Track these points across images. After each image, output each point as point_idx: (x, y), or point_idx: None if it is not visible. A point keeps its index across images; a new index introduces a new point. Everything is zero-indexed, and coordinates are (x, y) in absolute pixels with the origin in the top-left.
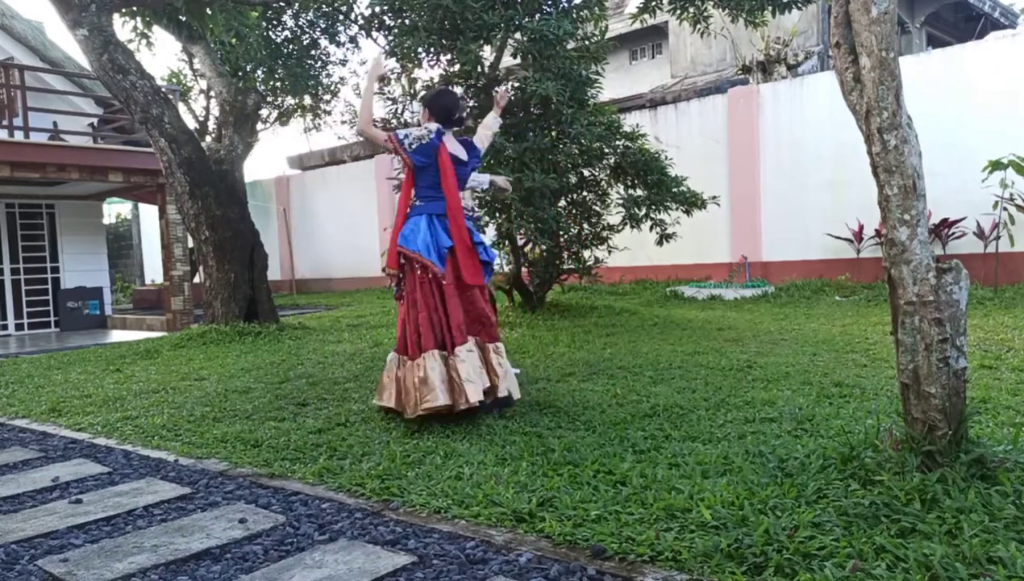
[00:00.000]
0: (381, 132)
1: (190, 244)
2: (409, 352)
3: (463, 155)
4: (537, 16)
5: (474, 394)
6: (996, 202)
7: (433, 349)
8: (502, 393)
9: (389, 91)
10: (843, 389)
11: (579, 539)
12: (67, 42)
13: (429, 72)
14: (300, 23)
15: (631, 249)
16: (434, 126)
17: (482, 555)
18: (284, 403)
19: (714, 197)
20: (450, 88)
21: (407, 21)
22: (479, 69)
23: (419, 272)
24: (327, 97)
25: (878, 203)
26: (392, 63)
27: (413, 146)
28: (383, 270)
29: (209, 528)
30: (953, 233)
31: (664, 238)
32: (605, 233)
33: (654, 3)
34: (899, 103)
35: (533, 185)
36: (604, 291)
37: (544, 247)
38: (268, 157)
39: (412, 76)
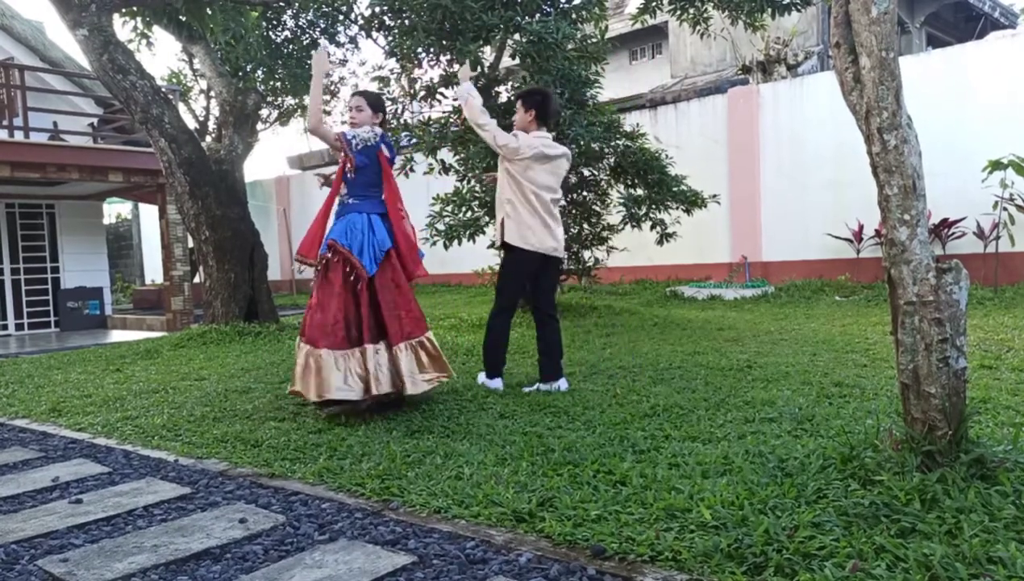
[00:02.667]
0: (332, 131)
1: (190, 244)
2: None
3: (389, 154)
4: (536, 17)
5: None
6: (996, 202)
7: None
8: (409, 390)
9: (389, 91)
10: (843, 389)
11: (579, 539)
12: (67, 42)
13: (429, 72)
14: (300, 23)
15: (631, 249)
16: (379, 130)
17: (482, 555)
18: (284, 403)
19: (714, 195)
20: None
21: (407, 21)
22: (479, 70)
23: (347, 269)
24: (327, 97)
25: (878, 203)
26: (392, 62)
27: (359, 147)
28: (297, 258)
29: (209, 528)
30: (953, 233)
31: (664, 238)
32: (605, 233)
33: (654, 4)
34: (899, 103)
35: None
36: (604, 291)
37: None
38: (268, 157)
39: (412, 76)
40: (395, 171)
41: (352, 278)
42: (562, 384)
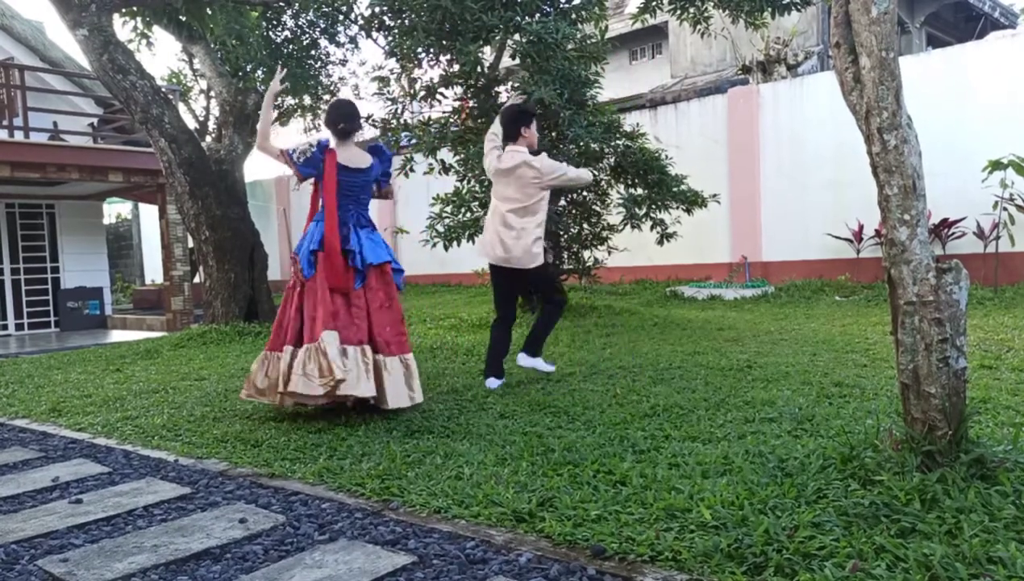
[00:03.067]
0: (276, 148)
1: (190, 244)
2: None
3: (363, 163)
4: (536, 17)
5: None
6: (996, 202)
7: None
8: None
9: (389, 91)
10: (843, 389)
11: (579, 539)
12: (67, 42)
13: (429, 72)
14: (300, 23)
15: (631, 249)
16: (314, 140)
17: (482, 555)
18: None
19: (714, 195)
20: (344, 99)
21: (407, 21)
22: (478, 70)
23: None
24: (327, 97)
25: (878, 203)
26: (392, 63)
27: (300, 160)
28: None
29: (209, 528)
30: (953, 233)
31: (665, 237)
32: (605, 233)
33: (654, 3)
34: (899, 103)
35: None
36: (604, 291)
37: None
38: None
39: (412, 76)
40: (395, 171)
41: (301, 281)
42: (529, 364)
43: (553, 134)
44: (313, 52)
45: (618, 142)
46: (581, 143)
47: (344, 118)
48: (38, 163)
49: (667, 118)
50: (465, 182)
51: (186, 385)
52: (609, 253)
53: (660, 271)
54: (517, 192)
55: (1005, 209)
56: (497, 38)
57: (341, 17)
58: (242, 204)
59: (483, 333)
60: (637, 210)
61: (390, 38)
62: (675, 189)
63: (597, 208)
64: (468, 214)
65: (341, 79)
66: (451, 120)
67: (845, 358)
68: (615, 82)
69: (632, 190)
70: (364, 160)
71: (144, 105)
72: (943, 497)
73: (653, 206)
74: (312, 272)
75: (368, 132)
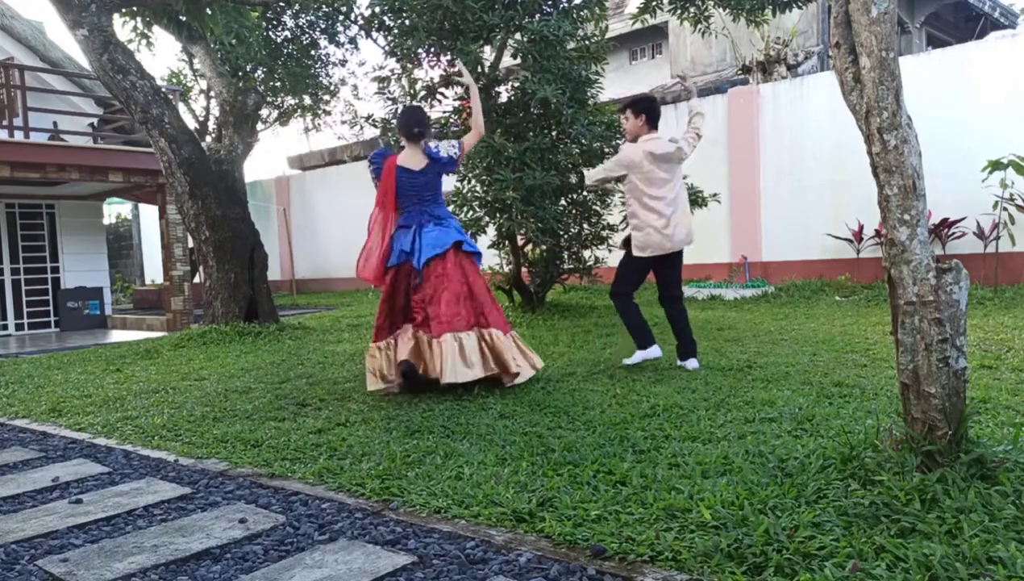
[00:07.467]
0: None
1: (190, 244)
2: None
3: (417, 165)
4: (537, 16)
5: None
6: (996, 202)
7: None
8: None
9: (389, 91)
10: (843, 389)
11: (579, 539)
12: (67, 42)
13: (429, 72)
14: (300, 23)
15: None
16: (376, 149)
17: (482, 555)
18: (284, 403)
19: (715, 194)
20: (414, 105)
21: (407, 21)
22: (479, 69)
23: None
24: (327, 97)
25: (878, 203)
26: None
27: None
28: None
29: (209, 528)
30: (953, 233)
31: None
32: (605, 233)
33: (654, 3)
34: (899, 103)
35: (534, 184)
36: (604, 291)
37: (544, 247)
38: (268, 157)
39: (412, 76)
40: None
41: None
42: (690, 363)
43: (555, 133)
44: (313, 52)
45: (619, 141)
46: (583, 141)
47: (411, 123)
48: (38, 163)
49: (667, 118)
50: (465, 182)
51: (186, 385)
52: (609, 252)
53: None
54: (669, 173)
55: (1005, 209)
56: (498, 37)
57: (341, 17)
58: (242, 204)
59: None
60: None
61: (390, 38)
62: None
63: (597, 208)
64: (469, 214)
65: (341, 80)
66: (451, 120)
67: (845, 358)
68: (615, 82)
69: None
70: (420, 161)
71: (144, 105)
72: (943, 497)
73: None
74: None
75: (368, 132)
